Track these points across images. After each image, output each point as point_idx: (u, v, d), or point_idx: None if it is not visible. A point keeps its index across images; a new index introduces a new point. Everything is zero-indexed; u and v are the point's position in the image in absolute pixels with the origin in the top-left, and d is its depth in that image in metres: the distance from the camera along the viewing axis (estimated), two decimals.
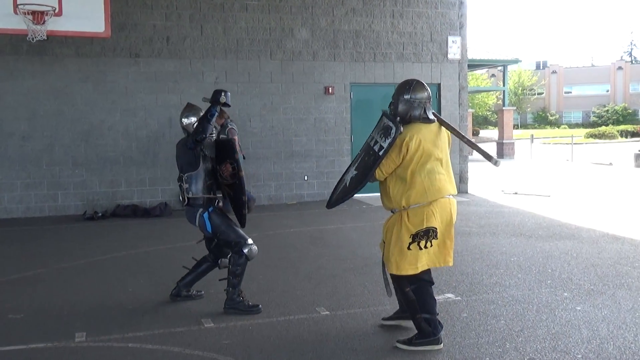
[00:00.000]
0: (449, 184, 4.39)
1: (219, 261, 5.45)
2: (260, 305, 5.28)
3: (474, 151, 4.67)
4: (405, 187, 4.29)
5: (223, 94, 5.17)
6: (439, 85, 12.99)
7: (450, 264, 4.43)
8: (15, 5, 8.68)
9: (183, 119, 5.41)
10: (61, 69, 10.91)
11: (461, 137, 4.77)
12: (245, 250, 5.26)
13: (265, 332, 4.77)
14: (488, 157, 4.49)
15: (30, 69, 10.75)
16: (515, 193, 13.07)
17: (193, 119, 5.33)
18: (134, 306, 5.49)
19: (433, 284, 4.51)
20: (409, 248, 4.26)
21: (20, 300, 5.72)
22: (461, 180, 13.19)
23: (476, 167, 15.67)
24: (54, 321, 5.10)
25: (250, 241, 5.33)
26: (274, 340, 4.61)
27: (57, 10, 8.89)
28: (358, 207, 11.40)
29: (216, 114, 5.14)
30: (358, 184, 4.45)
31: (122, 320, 5.11)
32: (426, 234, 4.25)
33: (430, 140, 4.34)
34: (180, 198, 5.38)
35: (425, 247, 4.27)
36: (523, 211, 10.72)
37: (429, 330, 4.32)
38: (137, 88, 11.31)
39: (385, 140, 4.28)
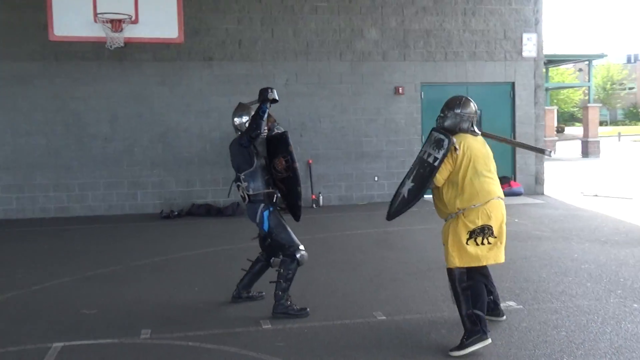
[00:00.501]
0: (497, 187, 4.65)
1: (271, 260, 5.58)
2: (308, 309, 5.34)
3: (554, 151, 4.96)
4: (458, 190, 4.56)
5: (270, 90, 5.29)
6: (512, 83, 12.67)
7: (502, 260, 4.61)
8: (95, 15, 9.12)
9: (235, 119, 5.53)
10: (140, 74, 11.39)
11: (506, 141, 5.32)
12: (298, 256, 5.35)
13: (320, 336, 4.84)
14: (541, 151, 5.08)
15: (112, 73, 11.28)
16: (596, 195, 12.57)
17: (245, 118, 5.46)
18: (197, 305, 5.69)
19: (487, 278, 4.80)
20: (467, 243, 4.52)
21: (94, 296, 6.04)
22: (537, 182, 12.82)
23: (556, 167, 15.17)
24: (122, 317, 5.36)
25: (302, 247, 5.41)
26: (328, 344, 4.67)
27: (133, 18, 9.29)
28: (429, 208, 11.25)
29: (267, 110, 5.25)
30: (417, 193, 4.67)
31: (185, 319, 5.31)
32: (482, 231, 4.51)
33: (477, 148, 4.63)
34: (241, 197, 5.47)
35: (482, 243, 4.52)
36: (601, 215, 10.30)
37: (477, 328, 4.43)
38: (210, 90, 11.65)
39: (439, 152, 4.56)
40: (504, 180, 12.68)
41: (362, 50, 12.15)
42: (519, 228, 9.17)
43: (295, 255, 5.33)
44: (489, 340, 4.43)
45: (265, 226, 5.37)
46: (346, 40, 12.08)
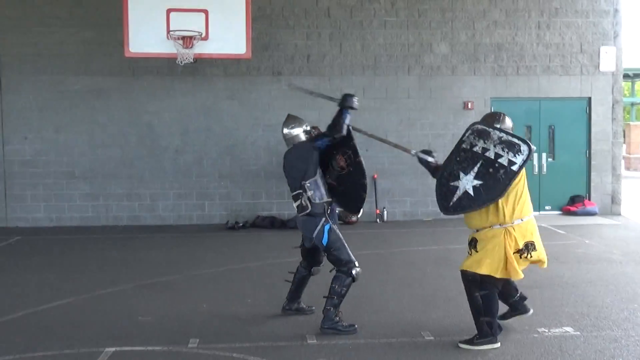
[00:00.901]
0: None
1: (312, 269, 5.66)
2: (356, 325, 5.31)
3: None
4: (514, 203, 4.77)
5: (354, 98, 5.39)
6: (589, 99, 12.18)
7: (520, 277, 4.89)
8: (168, 32, 9.47)
9: (286, 130, 5.57)
10: (210, 88, 11.72)
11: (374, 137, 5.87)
12: (354, 272, 5.31)
13: (363, 354, 4.80)
14: (406, 150, 5.60)
15: (184, 88, 11.67)
16: None
17: (296, 130, 5.54)
18: (247, 317, 5.77)
19: (499, 290, 5.00)
20: (511, 258, 4.73)
21: (152, 303, 6.23)
22: (613, 201, 12.25)
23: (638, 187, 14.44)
24: (174, 326, 5.50)
25: (357, 263, 5.40)
26: None
27: (203, 35, 9.58)
28: None
29: (349, 116, 5.35)
30: (494, 195, 4.71)
31: (234, 330, 5.40)
32: (526, 248, 4.78)
33: None
34: (300, 207, 5.38)
35: (526, 257, 4.79)
36: None
37: (489, 332, 4.84)
38: (278, 105, 11.82)
39: (515, 157, 4.69)
40: (577, 199, 12.21)
41: (431, 64, 12.02)
42: (589, 250, 8.78)
43: (351, 272, 5.30)
44: (498, 344, 4.84)
45: (325, 240, 5.34)
46: (415, 55, 12.00)
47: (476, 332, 4.89)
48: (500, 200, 4.73)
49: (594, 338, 5.09)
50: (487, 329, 4.83)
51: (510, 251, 4.73)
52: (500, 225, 4.77)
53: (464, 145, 4.96)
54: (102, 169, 11.58)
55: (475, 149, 4.84)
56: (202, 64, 11.48)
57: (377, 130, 11.62)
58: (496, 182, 4.69)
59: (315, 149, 5.36)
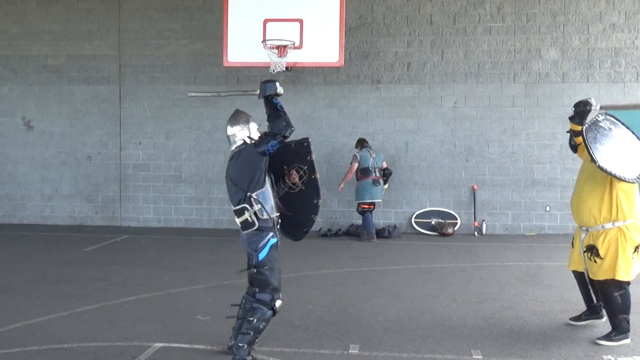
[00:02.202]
0: None
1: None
2: None
3: None
4: (627, 202, 5.04)
5: (276, 83, 4.84)
6: None
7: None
8: (264, 41, 9.74)
9: (231, 129, 4.84)
10: (310, 96, 11.91)
11: None
12: (277, 305, 4.69)
13: None
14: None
15: (285, 96, 11.67)
16: None
17: (245, 130, 4.81)
18: (300, 323, 5.77)
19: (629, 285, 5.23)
20: (632, 258, 5.05)
21: (216, 304, 6.39)
22: None
23: None
24: (226, 326, 5.59)
25: (281, 295, 4.76)
26: None
27: (297, 44, 9.74)
28: None
29: (280, 103, 4.75)
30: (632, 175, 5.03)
31: (280, 334, 5.41)
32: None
33: None
34: (245, 223, 4.64)
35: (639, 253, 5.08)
36: None
37: (627, 327, 5.13)
38: (376, 113, 11.78)
39: None
40: None
41: (539, 71, 11.40)
42: None
43: (274, 305, 4.66)
44: (630, 339, 5.14)
45: (262, 255, 4.62)
46: (521, 62, 11.44)
47: (612, 328, 5.16)
48: (620, 196, 5.05)
49: None
50: (625, 324, 5.14)
51: (630, 250, 5.05)
52: (612, 224, 5.08)
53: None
54: (206, 173, 12.13)
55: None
56: (303, 72, 11.72)
57: (478, 140, 11.37)
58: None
59: (262, 154, 4.59)
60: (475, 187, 11.40)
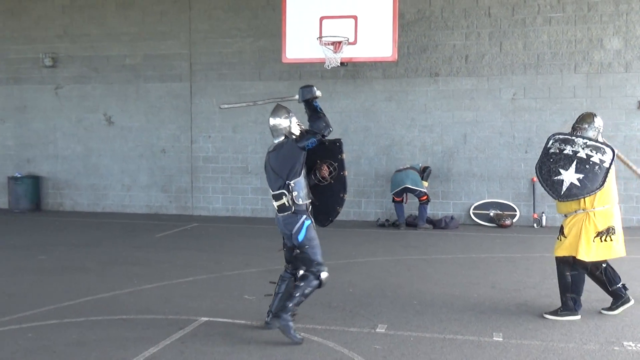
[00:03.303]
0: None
1: (297, 274, 5.38)
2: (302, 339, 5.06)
3: None
4: (597, 193, 5.52)
5: (314, 88, 5.21)
6: None
7: (624, 254, 5.76)
8: (321, 38, 10.15)
9: (273, 120, 5.24)
10: (369, 90, 12.24)
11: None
12: (323, 277, 5.15)
13: (420, 346, 4.96)
14: None
15: (345, 90, 12.33)
16: None
17: (286, 121, 5.22)
18: (337, 304, 6.16)
19: (587, 271, 5.78)
20: (593, 241, 5.58)
21: (264, 286, 6.81)
22: None
23: None
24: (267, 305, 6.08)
25: (326, 268, 5.22)
26: (423, 356, 4.78)
27: (352, 40, 10.09)
28: None
29: (319, 105, 5.16)
30: (598, 185, 5.48)
31: (318, 314, 5.82)
32: (607, 231, 5.60)
33: None
34: (282, 206, 5.15)
35: (605, 240, 5.59)
36: None
37: (572, 306, 5.70)
38: (435, 105, 11.95)
39: (603, 155, 5.54)
40: None
41: (601, 61, 11.24)
42: None
43: (319, 275, 5.13)
44: (578, 317, 5.65)
45: (301, 237, 5.13)
46: (582, 52, 11.31)
47: (560, 305, 5.73)
48: None
49: None
50: (571, 304, 5.70)
51: (592, 234, 5.56)
52: (583, 210, 5.62)
53: (552, 150, 5.76)
54: None
55: (566, 151, 5.67)
56: (362, 67, 12.07)
57: (538, 131, 11.38)
58: (595, 175, 5.52)
59: (302, 149, 5.07)
60: (534, 179, 11.37)
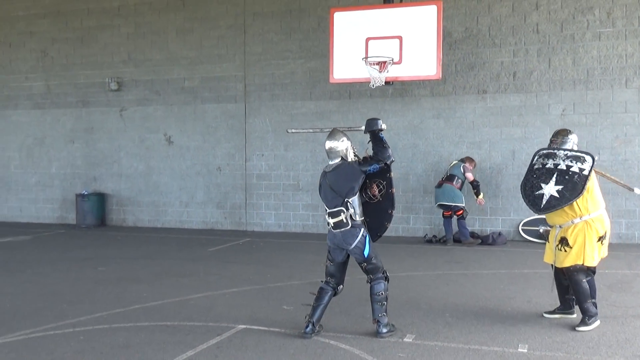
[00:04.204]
0: None
1: (339, 287, 5.81)
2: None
3: None
4: (587, 199, 5.82)
5: (379, 120, 5.75)
6: None
7: (606, 254, 6.09)
8: (366, 59, 10.45)
9: (330, 143, 5.69)
10: (417, 107, 12.42)
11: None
12: (388, 275, 5.81)
13: (445, 356, 5.12)
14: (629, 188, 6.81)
15: (394, 108, 12.56)
16: None
17: (342, 144, 5.66)
18: (371, 316, 6.36)
19: (595, 273, 6.11)
20: (595, 246, 5.84)
21: (305, 297, 7.10)
22: None
23: None
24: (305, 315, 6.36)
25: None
26: None
27: (397, 59, 10.34)
28: None
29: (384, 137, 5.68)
30: (576, 194, 5.78)
31: (351, 324, 6.05)
32: (605, 235, 5.93)
33: None
34: (339, 223, 5.57)
35: (602, 244, 5.94)
36: None
37: (595, 310, 5.91)
38: (482, 122, 12.02)
39: (583, 164, 5.86)
40: None
41: None
42: None
43: (387, 276, 5.76)
44: (599, 321, 5.90)
45: (367, 252, 5.62)
46: (633, 66, 11.16)
47: (583, 314, 5.87)
48: (584, 196, 5.80)
49: None
50: (593, 309, 5.89)
51: (595, 239, 5.84)
52: (580, 218, 5.86)
53: (536, 167, 6.10)
54: None
55: (548, 165, 5.99)
56: (410, 85, 12.28)
57: (588, 147, 11.30)
58: (574, 185, 5.79)
59: (364, 172, 5.55)
60: None
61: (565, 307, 6.27)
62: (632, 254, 10.11)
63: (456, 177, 11.16)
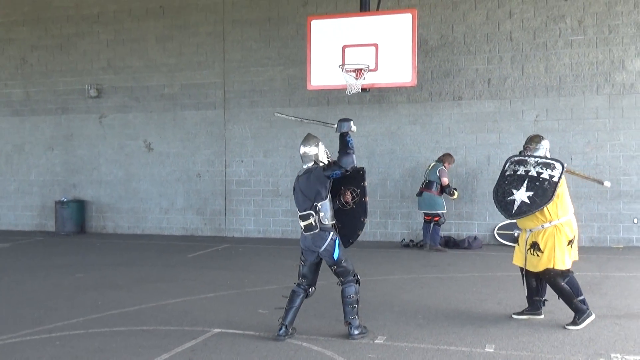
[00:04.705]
0: None
1: (310, 290, 5.90)
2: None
3: None
4: (557, 204, 6.00)
5: (351, 122, 5.73)
6: None
7: (577, 258, 6.28)
8: (343, 66, 10.59)
9: (303, 148, 5.86)
10: (395, 114, 12.61)
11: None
12: (358, 277, 5.90)
13: (414, 356, 5.26)
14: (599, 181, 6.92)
15: (371, 114, 12.73)
16: None
17: (315, 149, 5.83)
18: (331, 317, 6.49)
19: (572, 273, 6.20)
20: (566, 250, 6.00)
21: (277, 301, 7.24)
22: None
23: None
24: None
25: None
26: None
27: (373, 67, 10.49)
28: None
29: (352, 140, 5.67)
30: (546, 200, 5.96)
31: (323, 327, 6.18)
32: (573, 239, 6.09)
33: None
34: (308, 226, 5.72)
35: (572, 247, 6.08)
36: None
37: (585, 308, 6.03)
38: (458, 128, 12.23)
39: (553, 171, 6.05)
40: None
41: (623, 82, 11.34)
42: None
43: (358, 279, 5.86)
44: (594, 316, 6.05)
45: (336, 255, 5.72)
46: (604, 73, 11.44)
47: (574, 314, 6.03)
48: (554, 201, 5.96)
49: None
50: (582, 306, 6.02)
51: (565, 243, 6.00)
52: (549, 223, 6.03)
53: (508, 173, 6.31)
54: None
55: (519, 172, 6.19)
56: (388, 92, 12.46)
57: (561, 152, 11.55)
58: (545, 191, 5.97)
59: (327, 177, 5.65)
60: None
61: (533, 308, 6.42)
62: (603, 256, 10.34)
63: (434, 184, 11.31)
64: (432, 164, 11.55)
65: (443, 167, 11.35)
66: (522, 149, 6.59)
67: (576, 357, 5.17)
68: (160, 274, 9.31)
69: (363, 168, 6.08)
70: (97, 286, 8.35)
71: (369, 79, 10.61)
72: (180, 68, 14.02)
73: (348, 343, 5.62)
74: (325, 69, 10.93)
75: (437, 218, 11.31)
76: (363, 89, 10.70)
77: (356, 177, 5.94)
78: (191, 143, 13.99)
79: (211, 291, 7.93)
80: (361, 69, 10.53)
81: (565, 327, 5.98)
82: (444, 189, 11.28)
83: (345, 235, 5.95)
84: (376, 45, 10.63)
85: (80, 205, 14.54)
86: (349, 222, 5.94)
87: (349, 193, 5.88)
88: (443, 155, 11.55)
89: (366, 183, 5.96)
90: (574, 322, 6.01)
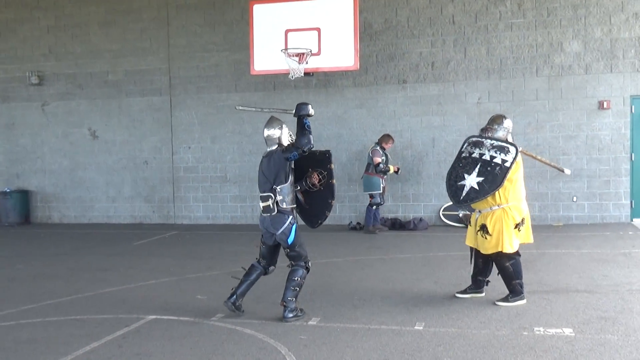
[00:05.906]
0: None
1: (270, 268, 6.10)
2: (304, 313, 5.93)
3: None
4: (509, 189, 6.04)
5: (309, 106, 5.87)
6: None
7: (532, 241, 6.34)
8: (284, 50, 10.57)
9: (267, 131, 5.88)
10: (341, 98, 12.65)
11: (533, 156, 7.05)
12: (309, 265, 5.99)
13: (344, 336, 5.32)
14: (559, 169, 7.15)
15: (318, 99, 12.73)
16: None
17: (278, 132, 5.86)
18: (263, 301, 6.53)
19: (520, 256, 6.27)
20: (513, 233, 6.06)
21: (221, 287, 7.22)
22: None
23: None
24: (216, 304, 6.45)
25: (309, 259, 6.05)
26: (342, 344, 5.14)
27: (316, 51, 10.52)
28: (623, 232, 10.37)
29: (308, 123, 5.79)
30: (495, 186, 5.98)
31: (260, 309, 6.20)
32: (522, 222, 6.13)
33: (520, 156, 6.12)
34: (267, 208, 5.79)
35: (520, 230, 6.12)
36: None
37: (520, 290, 6.19)
38: (403, 111, 12.34)
39: (506, 156, 6.02)
40: None
41: (561, 64, 11.59)
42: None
43: (308, 266, 5.96)
44: (525, 301, 6.15)
45: (291, 239, 5.83)
46: (543, 56, 11.67)
47: (509, 293, 6.19)
48: (505, 185, 5.98)
49: (587, 340, 5.00)
50: (518, 288, 6.18)
51: (512, 226, 6.06)
52: (498, 206, 6.07)
53: (463, 155, 6.28)
54: (248, 174, 13.08)
55: (474, 155, 6.19)
56: (333, 76, 12.48)
57: None
58: (495, 177, 5.98)
59: (286, 160, 5.72)
60: None
61: (476, 286, 6.52)
62: (542, 234, 10.57)
63: (370, 165, 11.43)
64: (371, 147, 11.63)
65: (376, 148, 11.41)
66: (484, 129, 6.46)
67: (501, 332, 5.31)
68: (102, 262, 9.20)
69: (329, 151, 6.24)
70: (35, 277, 8.21)
71: (312, 63, 10.66)
72: (124, 54, 13.78)
73: (281, 326, 5.66)
74: (268, 53, 10.93)
75: (370, 198, 11.42)
76: (306, 73, 10.75)
77: (323, 159, 6.12)
78: (137, 130, 13.79)
79: (152, 278, 7.88)
80: (304, 53, 10.56)
81: (495, 303, 6.14)
82: (375, 168, 11.35)
83: (313, 215, 6.17)
84: (318, 30, 10.67)
85: (24, 196, 14.22)
86: (317, 203, 6.13)
87: (316, 175, 6.01)
88: (381, 137, 11.63)
89: (333, 166, 6.11)
90: (506, 299, 6.15)
